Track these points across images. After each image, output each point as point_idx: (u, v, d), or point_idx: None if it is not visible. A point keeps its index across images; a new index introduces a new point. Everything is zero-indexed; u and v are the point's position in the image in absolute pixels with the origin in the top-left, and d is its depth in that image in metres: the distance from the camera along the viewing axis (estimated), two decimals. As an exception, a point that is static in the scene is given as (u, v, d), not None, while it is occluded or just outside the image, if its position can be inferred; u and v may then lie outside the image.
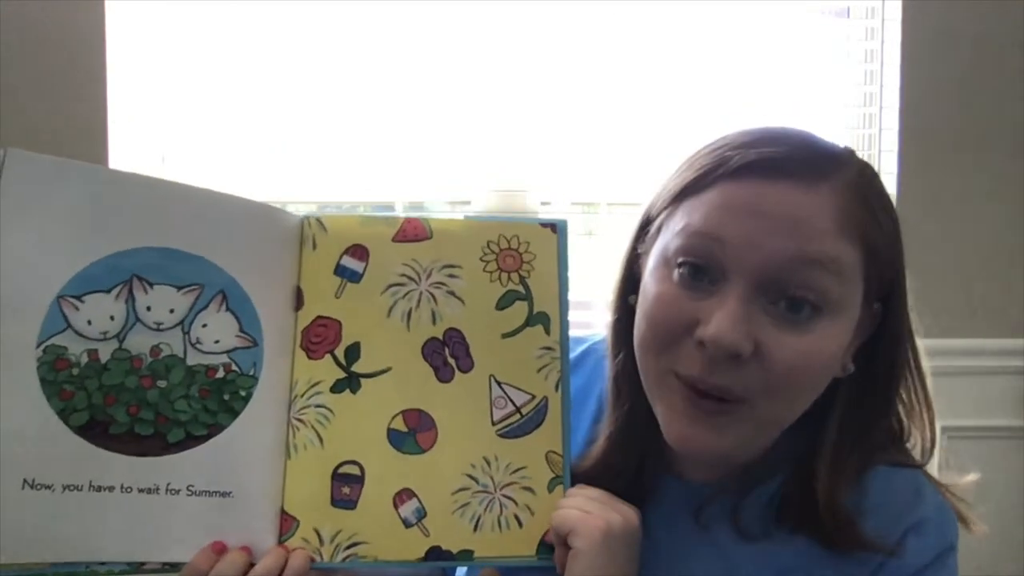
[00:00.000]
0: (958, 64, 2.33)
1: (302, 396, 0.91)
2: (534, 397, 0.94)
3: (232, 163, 2.41)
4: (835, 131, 2.41)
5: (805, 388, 0.85)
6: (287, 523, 0.89)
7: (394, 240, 0.94)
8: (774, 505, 0.91)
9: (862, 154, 2.29)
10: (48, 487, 0.80)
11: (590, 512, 0.86)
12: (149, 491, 0.83)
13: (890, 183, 2.36)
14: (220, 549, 0.85)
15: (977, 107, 2.34)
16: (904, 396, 0.94)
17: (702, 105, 2.35)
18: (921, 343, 0.94)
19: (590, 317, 1.96)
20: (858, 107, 2.43)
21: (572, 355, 1.02)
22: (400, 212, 2.38)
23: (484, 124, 2.38)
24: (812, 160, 0.84)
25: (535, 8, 2.34)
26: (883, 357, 0.90)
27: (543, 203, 2.41)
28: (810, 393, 0.86)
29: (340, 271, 0.93)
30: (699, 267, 0.84)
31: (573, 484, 0.94)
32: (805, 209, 0.81)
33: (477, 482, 0.92)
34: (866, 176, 0.87)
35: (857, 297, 0.85)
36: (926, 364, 0.95)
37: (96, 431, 0.82)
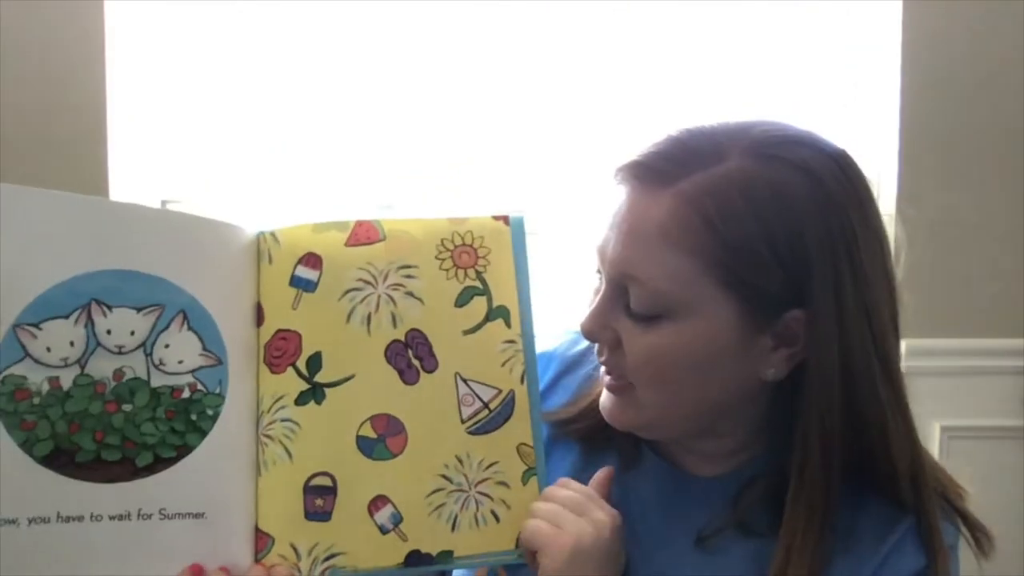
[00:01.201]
0: (958, 64, 2.31)
1: (268, 411, 0.90)
2: (500, 391, 0.93)
3: (232, 163, 2.41)
4: (834, 131, 2.36)
5: (670, 380, 0.87)
6: (262, 540, 0.88)
7: (347, 245, 0.93)
8: (770, 501, 0.91)
9: (861, 154, 2.31)
10: (12, 522, 0.78)
11: (560, 527, 0.86)
12: (120, 518, 0.81)
13: (890, 183, 2.35)
14: (198, 572, 0.84)
15: (977, 107, 2.32)
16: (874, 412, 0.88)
17: (702, 106, 2.34)
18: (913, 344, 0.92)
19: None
20: (858, 107, 2.41)
21: (580, 347, 1.07)
22: (399, 214, 2.38)
23: (484, 127, 2.40)
24: (659, 166, 0.85)
25: (535, 12, 2.35)
26: (813, 366, 0.86)
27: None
28: (688, 385, 0.87)
29: (295, 282, 0.92)
30: (599, 270, 0.91)
31: (566, 429, 1.01)
32: (638, 216, 0.85)
33: (451, 482, 0.91)
34: (722, 179, 0.83)
35: (718, 302, 0.84)
36: (901, 379, 0.91)
37: (62, 460, 0.79)
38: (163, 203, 2.36)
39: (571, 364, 1.07)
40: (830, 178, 0.84)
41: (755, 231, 0.82)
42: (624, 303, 0.87)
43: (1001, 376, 2.33)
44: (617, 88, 2.37)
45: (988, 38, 2.31)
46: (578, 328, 0.92)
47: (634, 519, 0.94)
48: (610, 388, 0.92)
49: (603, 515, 0.88)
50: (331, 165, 2.41)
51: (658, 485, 0.97)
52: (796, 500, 0.86)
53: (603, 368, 0.93)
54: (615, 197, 0.88)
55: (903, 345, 2.23)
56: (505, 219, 0.97)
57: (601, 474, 0.93)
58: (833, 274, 0.83)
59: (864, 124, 2.40)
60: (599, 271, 0.90)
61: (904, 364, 2.27)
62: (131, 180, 2.33)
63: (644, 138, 0.89)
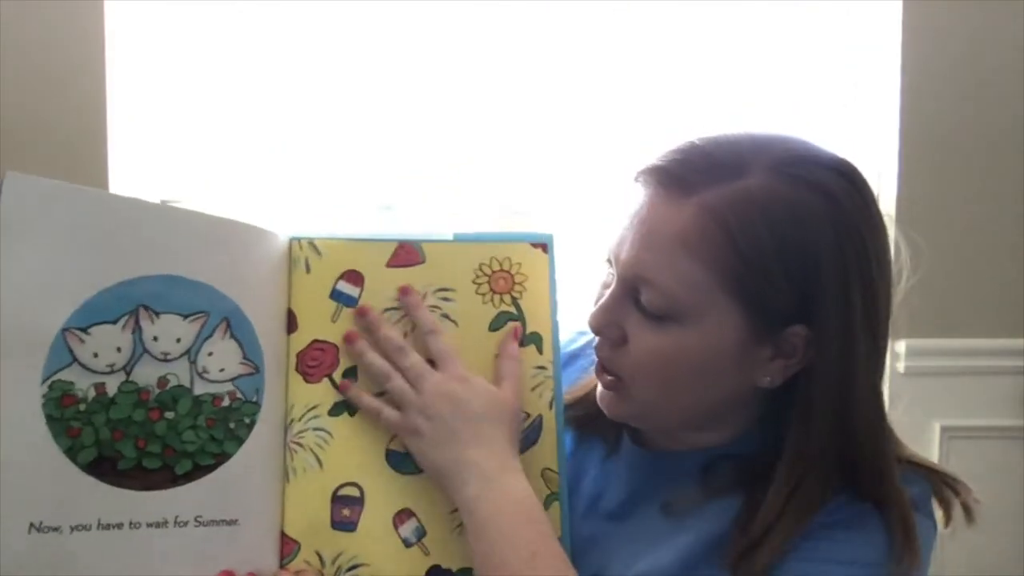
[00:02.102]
0: (958, 64, 2.33)
1: (299, 420, 0.91)
2: (528, 416, 0.95)
3: (232, 163, 2.41)
4: (834, 131, 2.41)
5: (670, 380, 0.89)
6: (288, 546, 0.90)
7: (388, 265, 0.94)
8: (743, 467, 0.94)
9: (861, 154, 2.32)
10: (55, 529, 0.78)
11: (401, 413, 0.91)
12: (158, 525, 0.82)
13: (890, 183, 2.36)
14: None
15: (977, 107, 2.34)
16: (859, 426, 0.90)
17: (702, 106, 2.35)
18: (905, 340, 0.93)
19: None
20: (858, 107, 2.43)
21: (578, 344, 1.10)
22: (399, 214, 2.41)
23: (484, 127, 2.40)
24: (683, 174, 0.87)
25: (535, 12, 2.35)
26: (817, 379, 0.88)
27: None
28: (686, 387, 0.90)
29: (336, 296, 0.93)
30: (609, 261, 0.93)
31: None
32: (658, 222, 0.87)
33: None
34: (745, 196, 0.85)
35: (727, 313, 0.86)
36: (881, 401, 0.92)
37: (104, 468, 0.80)
38: (163, 203, 2.36)
39: (569, 359, 1.10)
40: (847, 201, 0.86)
41: (771, 248, 0.84)
42: (634, 300, 0.89)
43: (1001, 376, 2.35)
44: (616, 88, 2.38)
45: (988, 38, 2.32)
46: (585, 326, 0.94)
47: (608, 495, 0.99)
48: (605, 385, 0.94)
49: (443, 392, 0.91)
50: (331, 165, 2.41)
51: (631, 465, 1.00)
52: (778, 492, 0.88)
53: (598, 363, 0.95)
54: (632, 197, 0.90)
55: (903, 345, 2.25)
56: (544, 247, 0.98)
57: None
58: (844, 295, 0.85)
59: (864, 124, 2.42)
60: (609, 262, 0.92)
61: (904, 364, 2.29)
62: (131, 180, 2.32)
63: (664, 141, 0.90)
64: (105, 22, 2.27)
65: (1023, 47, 2.32)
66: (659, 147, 0.90)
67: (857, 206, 0.87)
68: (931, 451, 2.32)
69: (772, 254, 0.84)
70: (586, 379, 1.05)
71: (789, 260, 0.84)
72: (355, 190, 2.41)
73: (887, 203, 2.37)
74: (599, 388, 0.96)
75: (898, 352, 2.30)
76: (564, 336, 1.11)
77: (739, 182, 0.85)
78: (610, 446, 1.03)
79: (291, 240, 0.93)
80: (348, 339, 0.92)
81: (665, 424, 0.97)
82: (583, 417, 1.04)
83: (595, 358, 0.96)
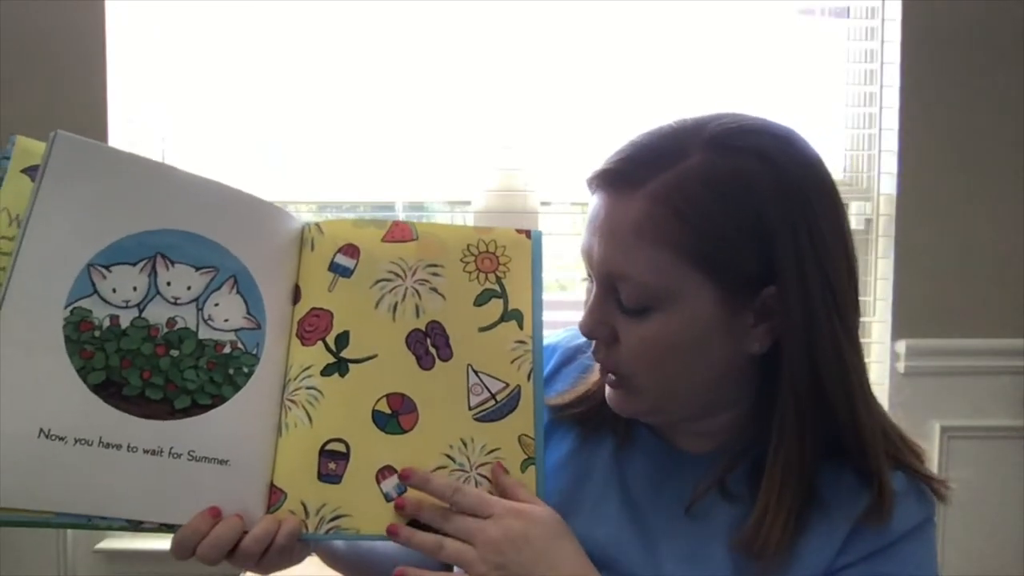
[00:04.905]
0: (958, 64, 2.41)
1: (295, 379, 1.02)
2: (508, 385, 1.06)
3: (232, 163, 2.49)
4: (835, 131, 2.48)
5: (667, 365, 0.98)
6: (276, 495, 0.99)
7: (383, 240, 1.07)
8: (755, 470, 1.01)
9: (862, 154, 2.40)
10: (61, 439, 0.89)
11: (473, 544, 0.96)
12: (153, 452, 0.93)
13: (890, 183, 2.44)
14: (215, 514, 0.94)
15: (977, 107, 2.41)
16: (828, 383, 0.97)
17: (701, 105, 2.38)
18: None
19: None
20: (858, 107, 2.51)
21: (582, 339, 1.16)
22: (400, 212, 2.50)
23: (484, 124, 2.47)
24: (629, 171, 0.96)
25: (536, 9, 2.43)
26: (785, 335, 0.96)
27: (543, 203, 2.50)
28: (683, 368, 0.98)
29: (333, 267, 1.05)
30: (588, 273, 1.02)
31: (564, 413, 1.13)
32: (616, 220, 0.96)
33: (454, 461, 1.03)
34: (686, 175, 0.93)
35: (699, 287, 0.94)
36: (856, 356, 1.00)
37: (110, 391, 0.91)
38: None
39: (571, 354, 1.20)
40: (786, 161, 0.94)
41: (721, 216, 0.92)
42: (616, 299, 0.98)
43: (1001, 376, 2.42)
44: (622, 89, 2.47)
45: (988, 38, 2.41)
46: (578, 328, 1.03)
47: (629, 488, 1.07)
48: (611, 384, 1.03)
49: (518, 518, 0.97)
50: (331, 165, 2.51)
51: (651, 458, 1.09)
52: (774, 462, 0.97)
53: (600, 367, 1.05)
54: (592, 204, 1.00)
55: (903, 345, 2.29)
56: (527, 233, 1.11)
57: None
58: (794, 248, 0.93)
59: (864, 124, 2.50)
60: (589, 274, 1.03)
61: (904, 364, 2.32)
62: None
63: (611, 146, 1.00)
64: (105, 21, 2.37)
65: (1023, 47, 2.40)
66: (606, 152, 1.00)
67: (796, 165, 0.95)
68: (931, 451, 2.34)
69: (723, 221, 0.92)
70: (586, 377, 1.14)
71: (741, 222, 0.92)
72: (355, 190, 2.52)
73: (887, 204, 2.45)
74: (607, 390, 1.04)
75: (898, 352, 2.35)
76: (566, 333, 1.24)
77: (680, 165, 0.94)
78: (620, 437, 1.10)
79: (304, 225, 1.07)
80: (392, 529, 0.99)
81: (675, 413, 1.04)
82: (585, 412, 1.13)
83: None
